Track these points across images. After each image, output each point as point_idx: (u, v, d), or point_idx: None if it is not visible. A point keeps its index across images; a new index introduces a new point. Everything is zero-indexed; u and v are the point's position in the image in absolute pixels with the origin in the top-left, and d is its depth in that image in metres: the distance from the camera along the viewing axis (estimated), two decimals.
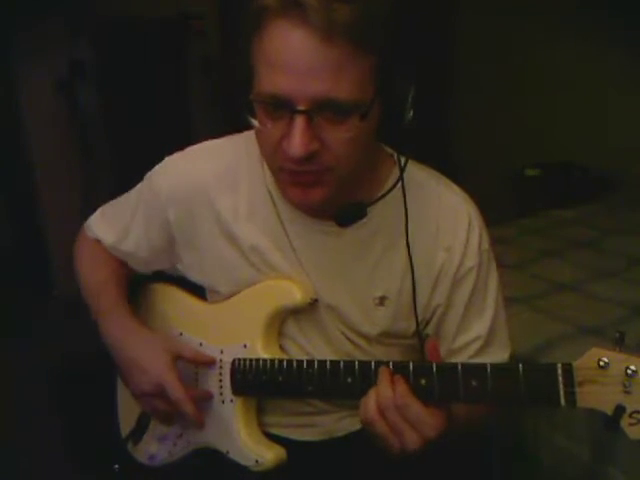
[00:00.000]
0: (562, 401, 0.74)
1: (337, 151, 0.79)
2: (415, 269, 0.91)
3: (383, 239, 0.94)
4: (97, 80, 2.93)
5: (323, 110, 0.75)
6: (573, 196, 2.89)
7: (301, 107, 0.75)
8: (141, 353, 0.97)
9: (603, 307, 1.81)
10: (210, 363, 1.00)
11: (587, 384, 0.73)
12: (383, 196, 0.88)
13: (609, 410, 0.72)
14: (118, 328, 1.01)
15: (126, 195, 1.10)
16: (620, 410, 0.71)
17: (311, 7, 0.71)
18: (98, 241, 1.12)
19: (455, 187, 0.98)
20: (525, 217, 2.69)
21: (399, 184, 0.88)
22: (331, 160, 0.80)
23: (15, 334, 2.57)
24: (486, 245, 0.96)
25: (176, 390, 0.92)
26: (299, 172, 0.81)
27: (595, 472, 1.36)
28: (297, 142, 0.76)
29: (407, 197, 0.89)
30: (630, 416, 0.71)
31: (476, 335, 0.97)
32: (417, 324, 0.94)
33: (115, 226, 1.09)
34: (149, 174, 1.05)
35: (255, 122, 0.81)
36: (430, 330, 0.98)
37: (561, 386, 0.74)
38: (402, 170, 0.87)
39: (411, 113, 0.81)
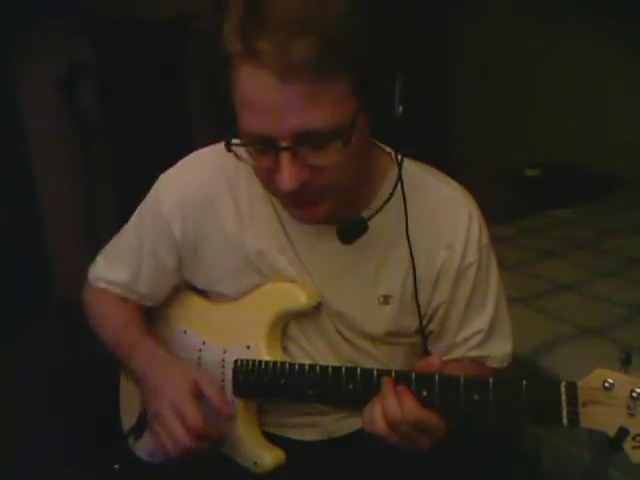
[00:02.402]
0: (564, 421, 0.73)
1: (331, 173, 0.79)
2: (417, 266, 0.92)
3: (385, 238, 0.94)
4: (97, 80, 2.92)
5: (304, 141, 0.75)
6: (573, 196, 2.88)
7: (283, 143, 0.75)
8: (164, 382, 0.93)
9: (603, 307, 1.81)
10: (228, 415, 0.90)
11: (591, 405, 0.72)
12: (383, 205, 0.87)
13: (612, 432, 0.71)
14: (142, 362, 0.99)
15: (124, 230, 1.08)
16: (623, 433, 0.71)
17: (265, 53, 0.70)
18: (104, 290, 1.09)
19: (453, 183, 0.98)
20: (525, 217, 2.69)
21: (399, 185, 0.87)
22: (326, 181, 0.80)
23: (15, 334, 2.57)
24: (485, 240, 0.96)
25: (192, 418, 0.88)
26: (297, 194, 0.81)
27: (595, 472, 1.36)
28: (286, 177, 0.76)
29: (406, 194, 0.88)
30: (634, 439, 0.71)
31: (477, 329, 0.97)
32: (420, 321, 0.95)
33: (124, 266, 1.06)
34: (145, 200, 1.03)
35: (245, 155, 0.81)
36: (434, 326, 0.98)
37: (564, 405, 0.73)
38: (400, 167, 0.86)
39: (400, 109, 0.79)
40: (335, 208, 0.85)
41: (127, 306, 1.09)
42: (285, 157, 0.75)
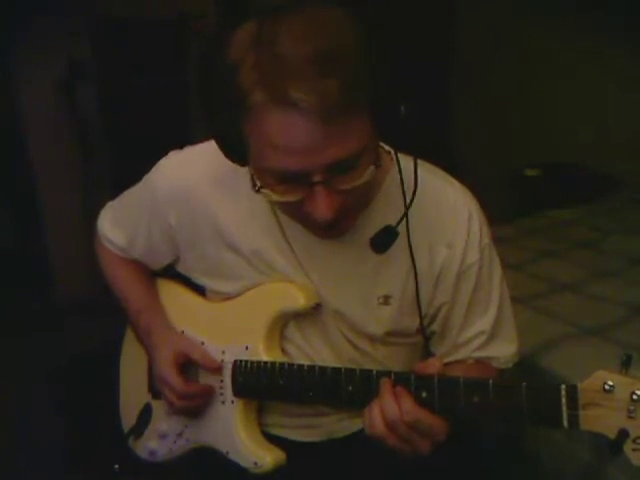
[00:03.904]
0: (565, 423, 0.73)
1: (358, 196, 0.81)
2: (417, 266, 0.91)
3: None
4: (97, 80, 2.92)
5: (335, 170, 0.76)
6: (573, 196, 2.88)
7: (316, 178, 0.75)
8: (153, 354, 1.04)
9: (603, 307, 1.81)
10: (215, 368, 1.00)
11: (591, 407, 0.72)
12: (407, 210, 0.86)
13: (612, 435, 0.71)
14: (140, 333, 1.09)
15: (130, 194, 1.10)
16: (624, 435, 0.70)
17: (298, 100, 0.69)
18: (110, 249, 1.14)
19: (454, 182, 0.98)
20: (525, 217, 2.69)
21: (396, 178, 0.88)
22: (353, 202, 0.82)
23: (15, 334, 2.57)
24: (487, 240, 0.96)
25: (176, 384, 0.99)
26: None
27: (595, 471, 1.36)
28: (323, 210, 0.77)
29: (406, 194, 0.88)
30: (634, 441, 0.70)
31: (480, 329, 0.97)
32: (421, 321, 0.95)
33: (123, 231, 1.10)
34: (148, 175, 1.04)
35: (267, 192, 0.80)
36: (436, 327, 0.98)
37: (564, 408, 0.73)
38: (401, 170, 0.87)
39: (406, 120, 0.79)
40: (355, 222, 0.88)
41: (132, 264, 1.13)
42: (320, 190, 0.76)
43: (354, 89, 0.71)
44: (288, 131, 0.72)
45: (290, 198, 0.79)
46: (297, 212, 0.82)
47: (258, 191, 0.81)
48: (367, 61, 0.73)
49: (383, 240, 0.87)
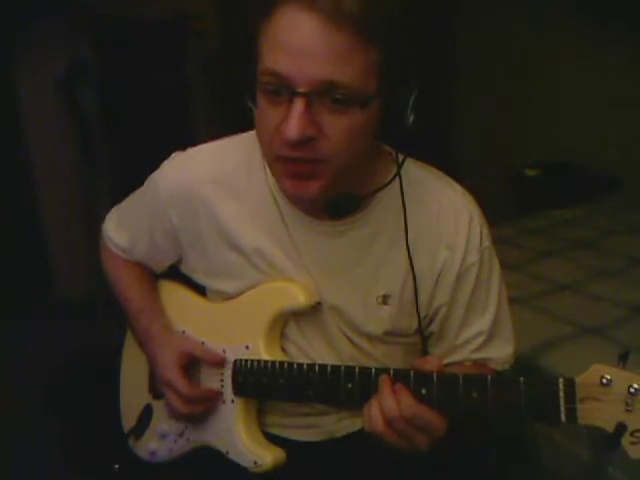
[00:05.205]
0: (562, 417, 0.74)
1: (334, 141, 0.78)
2: (417, 267, 0.92)
3: (384, 238, 0.94)
4: (97, 80, 2.92)
5: (324, 95, 0.75)
6: (573, 196, 2.88)
7: (301, 89, 0.75)
8: (156, 356, 1.04)
9: (603, 307, 1.81)
10: (218, 362, 1.00)
11: (589, 401, 0.73)
12: (377, 190, 0.89)
13: (610, 428, 0.72)
14: (139, 335, 1.09)
15: (134, 196, 1.11)
16: (621, 428, 0.71)
17: None
18: (114, 251, 1.14)
19: (455, 184, 0.98)
20: (525, 217, 2.69)
21: (396, 179, 0.88)
22: (327, 150, 0.79)
23: (15, 334, 2.57)
24: (487, 242, 0.96)
25: (181, 387, 0.98)
26: (295, 160, 0.80)
27: (595, 472, 1.36)
28: (294, 124, 0.75)
29: (407, 195, 0.89)
30: (631, 435, 0.71)
31: (478, 331, 0.97)
32: (419, 322, 0.95)
33: (126, 233, 1.11)
34: (151, 176, 1.05)
35: (254, 108, 0.81)
36: (434, 328, 0.99)
37: (562, 402, 0.74)
38: (399, 167, 0.87)
39: (412, 116, 0.81)
40: (327, 189, 0.83)
41: (135, 266, 1.13)
42: (299, 104, 0.75)
43: (373, 16, 0.73)
44: (293, 29, 0.74)
45: (270, 114, 0.78)
46: (274, 140, 0.80)
47: (249, 107, 0.81)
48: (390, 12, 0.76)
49: (338, 203, 0.87)
